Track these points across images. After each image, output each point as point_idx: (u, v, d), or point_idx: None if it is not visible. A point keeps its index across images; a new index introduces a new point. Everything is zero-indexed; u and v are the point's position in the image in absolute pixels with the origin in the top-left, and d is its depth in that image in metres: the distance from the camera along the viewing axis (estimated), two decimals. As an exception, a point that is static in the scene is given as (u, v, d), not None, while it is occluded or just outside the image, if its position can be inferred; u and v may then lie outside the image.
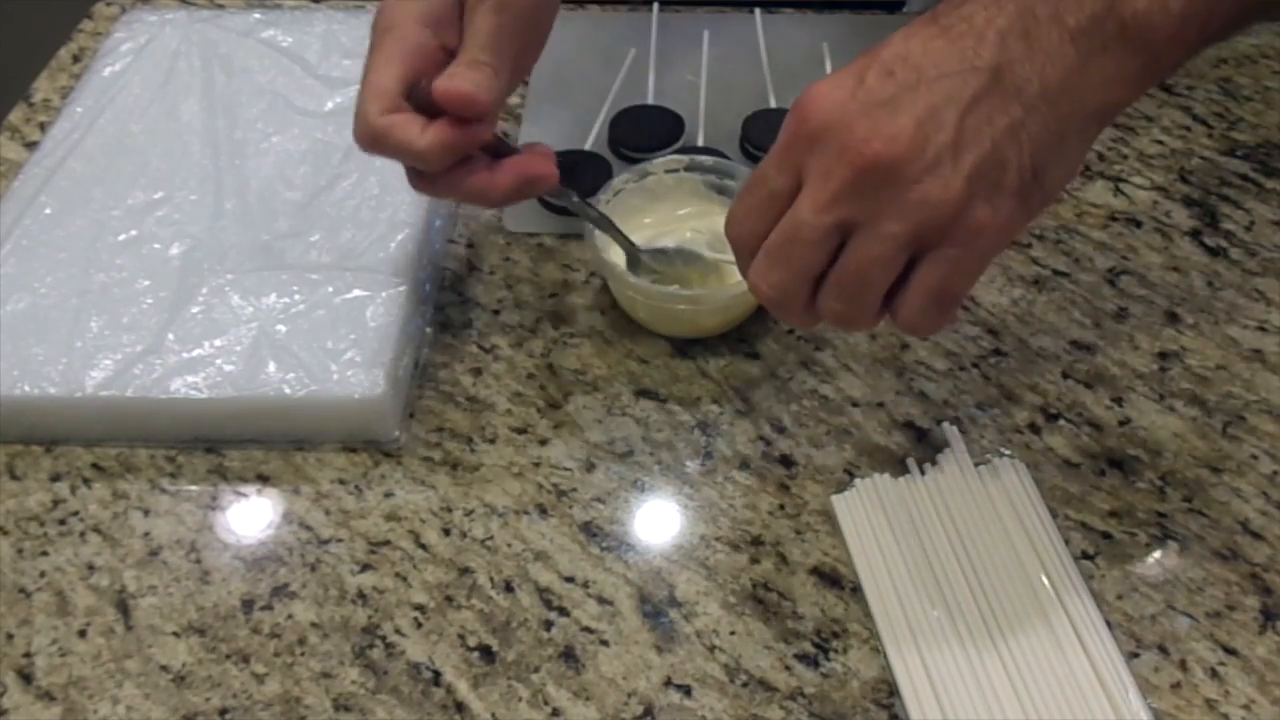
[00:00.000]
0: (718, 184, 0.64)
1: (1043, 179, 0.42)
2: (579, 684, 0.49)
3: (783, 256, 0.44)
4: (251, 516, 0.56)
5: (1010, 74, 0.42)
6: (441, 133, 0.50)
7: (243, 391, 0.56)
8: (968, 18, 0.43)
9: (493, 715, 0.49)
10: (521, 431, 0.58)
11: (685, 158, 0.64)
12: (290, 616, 0.52)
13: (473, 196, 0.53)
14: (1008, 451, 0.56)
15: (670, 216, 0.65)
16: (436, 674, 0.50)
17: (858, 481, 0.55)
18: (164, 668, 0.50)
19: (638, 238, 0.61)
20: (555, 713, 0.49)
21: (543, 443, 0.58)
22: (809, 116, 0.42)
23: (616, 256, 0.61)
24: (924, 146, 0.41)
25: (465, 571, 0.53)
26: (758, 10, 0.80)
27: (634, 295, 0.60)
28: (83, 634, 0.51)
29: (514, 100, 0.77)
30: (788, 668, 0.50)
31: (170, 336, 0.58)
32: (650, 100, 0.73)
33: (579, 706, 0.49)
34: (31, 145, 0.72)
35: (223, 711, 0.49)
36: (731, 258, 0.48)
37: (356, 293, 0.60)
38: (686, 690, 0.49)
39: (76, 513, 0.56)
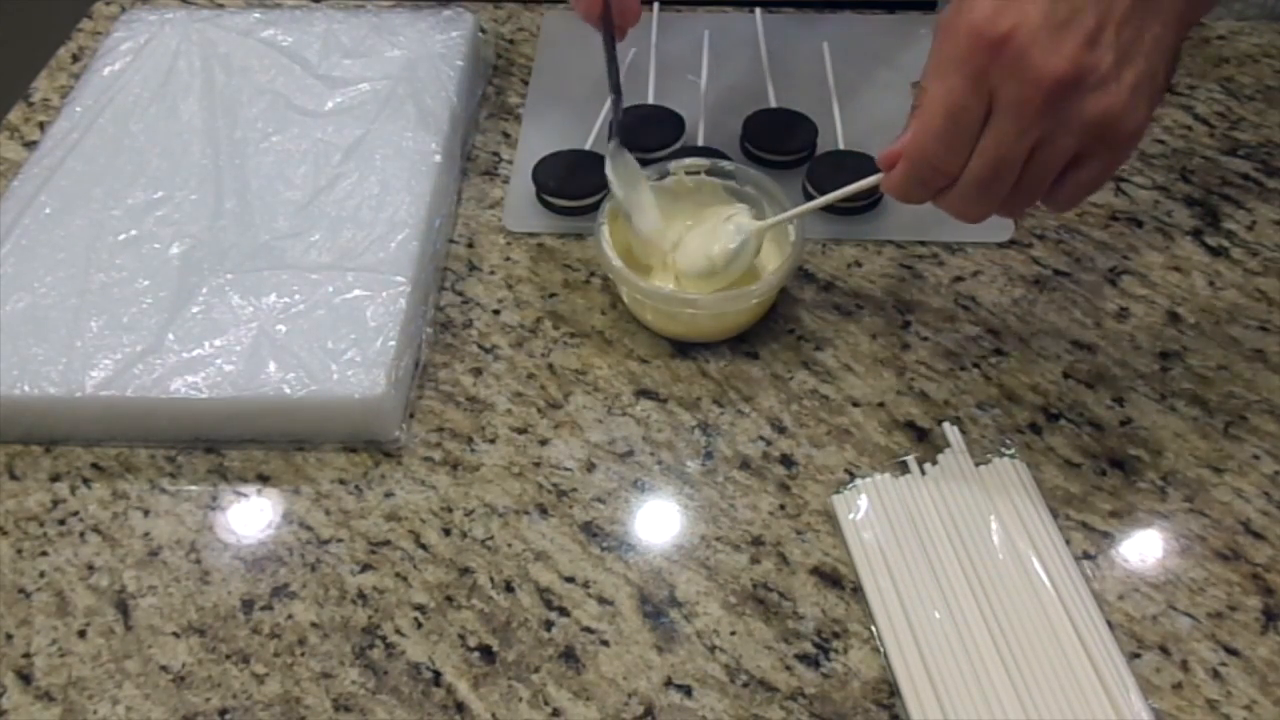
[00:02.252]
0: (736, 189, 0.64)
1: (1166, 84, 0.48)
2: (579, 684, 0.49)
3: (991, 186, 0.48)
4: (251, 516, 0.55)
5: None
6: None
7: (243, 391, 0.56)
8: None
9: (493, 715, 0.48)
10: (521, 431, 0.58)
11: (706, 161, 0.64)
12: (290, 616, 0.52)
13: None
14: (1008, 451, 0.56)
15: (683, 217, 0.65)
16: (436, 674, 0.50)
17: (858, 481, 0.55)
18: (164, 668, 0.50)
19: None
20: (555, 713, 0.49)
21: (543, 443, 0.58)
22: (995, 39, 0.45)
23: (622, 259, 0.61)
24: (1096, 64, 0.45)
25: (465, 571, 0.53)
26: (758, 10, 0.80)
27: (642, 299, 0.60)
28: (82, 634, 0.51)
29: (514, 100, 0.77)
30: (788, 668, 0.50)
31: (170, 336, 0.58)
32: (650, 100, 0.73)
33: (579, 707, 0.49)
34: (31, 145, 0.72)
35: (223, 712, 0.49)
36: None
37: (356, 293, 0.60)
38: (687, 690, 0.49)
39: (76, 513, 0.56)
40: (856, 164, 0.67)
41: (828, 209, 0.67)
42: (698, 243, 0.61)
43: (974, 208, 0.50)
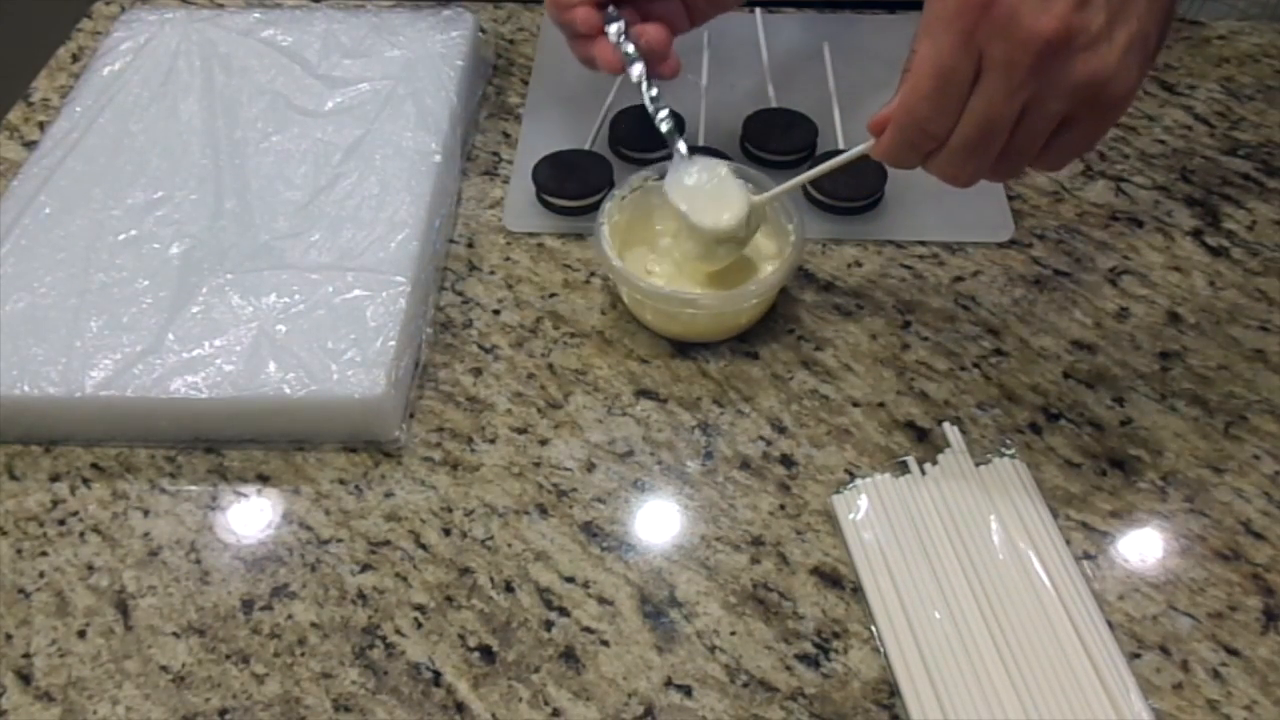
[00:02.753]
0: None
1: (1158, 46, 0.47)
2: (579, 684, 0.49)
3: (980, 148, 0.48)
4: (251, 516, 0.55)
5: None
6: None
7: (243, 391, 0.56)
8: None
9: (493, 715, 0.48)
10: (521, 431, 0.58)
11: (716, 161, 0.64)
12: (290, 617, 0.52)
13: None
14: (1008, 451, 0.56)
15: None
16: (436, 674, 0.50)
17: (858, 481, 0.55)
18: (164, 668, 0.50)
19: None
20: (555, 713, 0.49)
21: (543, 443, 0.58)
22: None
23: (625, 260, 0.61)
24: (1086, 24, 0.44)
25: (465, 571, 0.53)
26: (758, 10, 0.80)
27: (642, 299, 0.60)
28: (82, 634, 0.51)
29: (514, 100, 0.77)
30: (788, 668, 0.50)
31: (170, 336, 0.58)
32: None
33: (579, 707, 0.49)
34: (31, 145, 0.72)
35: (223, 712, 0.49)
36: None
37: (356, 293, 0.60)
38: (687, 690, 0.49)
39: (76, 513, 0.56)
40: (856, 164, 0.67)
41: (827, 209, 0.67)
42: (714, 199, 0.59)
43: (963, 170, 0.50)
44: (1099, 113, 0.47)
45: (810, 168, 0.60)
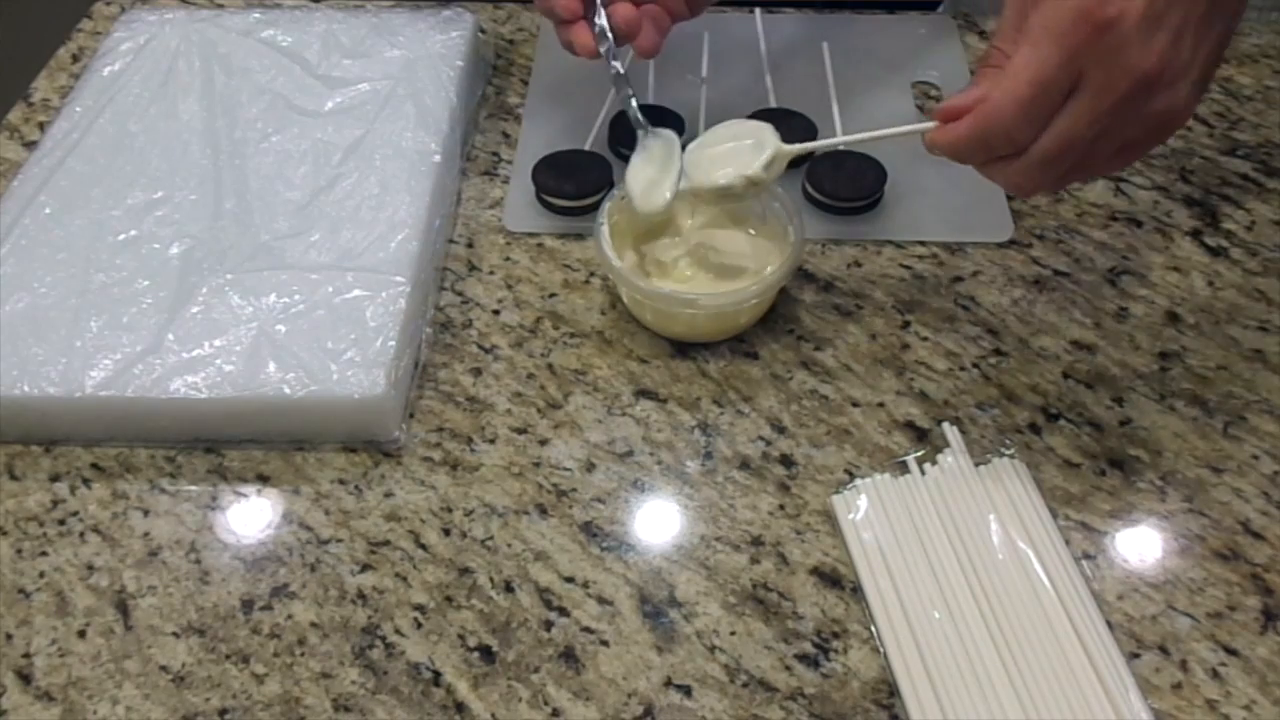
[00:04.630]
0: None
1: (1211, 78, 0.50)
2: (579, 684, 0.49)
3: (1054, 164, 0.49)
4: (251, 516, 0.55)
5: None
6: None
7: (243, 391, 0.56)
8: None
9: (493, 715, 0.48)
10: (521, 431, 0.58)
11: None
12: (290, 616, 0.52)
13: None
14: (1008, 451, 0.56)
15: (682, 216, 0.65)
16: (436, 674, 0.50)
17: (858, 481, 0.55)
18: (164, 668, 0.50)
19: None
20: (555, 713, 0.49)
21: (543, 443, 0.58)
22: (1101, 23, 0.45)
23: (625, 260, 0.61)
24: (1172, 62, 0.46)
25: (465, 571, 0.53)
26: (758, 10, 0.80)
27: (641, 299, 0.60)
28: (82, 634, 0.51)
29: (514, 100, 0.77)
30: (788, 668, 0.50)
31: (170, 336, 0.58)
32: (650, 100, 0.73)
33: (579, 707, 0.49)
34: (31, 145, 0.72)
35: (222, 712, 0.49)
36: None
37: (356, 293, 0.60)
38: (687, 690, 0.49)
39: (76, 513, 0.56)
40: (856, 164, 0.67)
41: (827, 209, 0.68)
42: (721, 158, 0.59)
43: (1030, 181, 0.50)
44: (1157, 138, 0.50)
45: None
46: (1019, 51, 0.47)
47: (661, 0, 0.65)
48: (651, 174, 0.61)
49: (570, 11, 0.63)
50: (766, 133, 0.58)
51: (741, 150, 0.58)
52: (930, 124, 0.51)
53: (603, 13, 0.63)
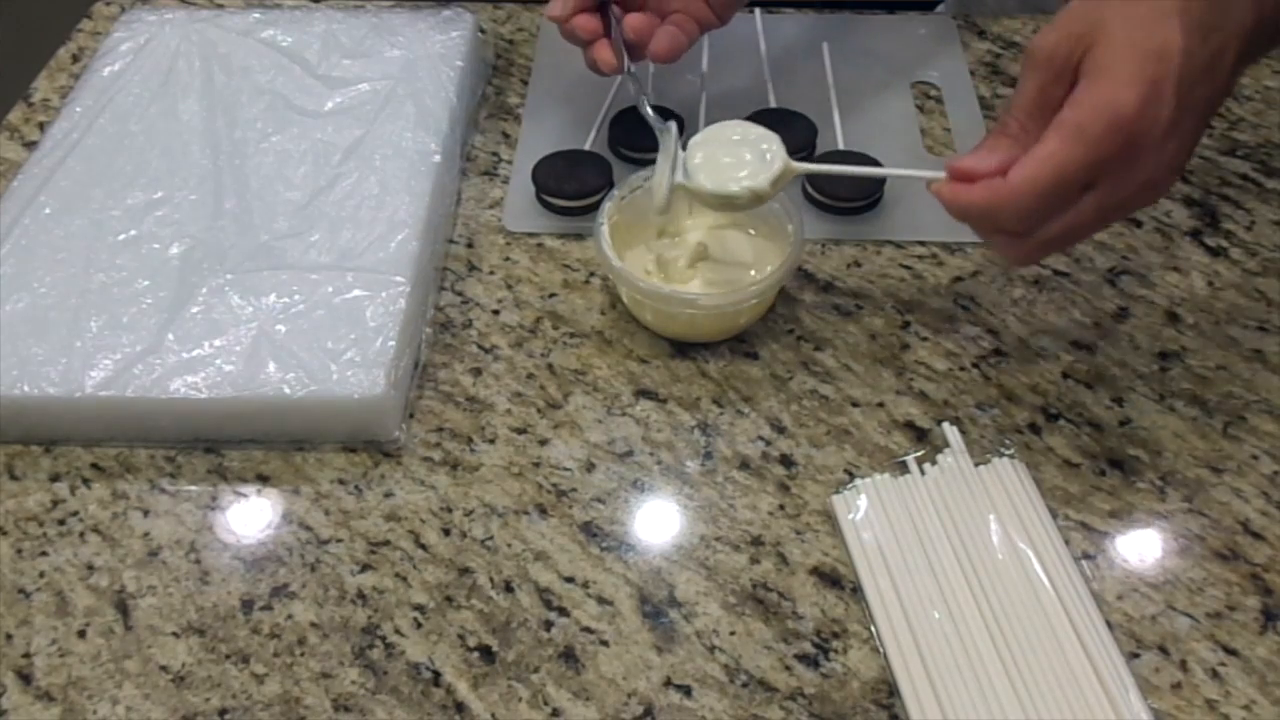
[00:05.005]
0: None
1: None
2: (579, 684, 0.49)
3: (1058, 246, 0.52)
4: (251, 516, 0.56)
5: (1225, 83, 0.50)
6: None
7: (243, 391, 0.56)
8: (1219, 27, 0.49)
9: (493, 715, 0.48)
10: (521, 431, 0.58)
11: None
12: (290, 616, 0.52)
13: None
14: (1008, 451, 0.56)
15: (682, 216, 0.65)
16: (436, 674, 0.50)
17: (858, 481, 0.55)
18: (164, 668, 0.50)
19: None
20: (555, 713, 0.49)
21: (543, 443, 0.58)
22: (1132, 136, 0.47)
23: (625, 260, 0.61)
24: (1178, 165, 0.50)
25: (465, 571, 0.53)
26: (758, 10, 0.80)
27: (641, 299, 0.60)
28: (82, 634, 0.51)
29: (514, 100, 0.77)
30: (788, 668, 0.50)
31: (170, 336, 0.58)
32: (650, 100, 0.73)
33: (579, 707, 0.49)
34: (31, 145, 0.72)
35: (222, 712, 0.49)
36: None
37: (356, 293, 0.60)
38: (686, 690, 0.49)
39: (76, 513, 0.56)
40: (856, 164, 0.67)
41: (827, 209, 0.68)
42: (729, 164, 0.58)
43: (1028, 258, 0.55)
44: (1134, 212, 0.57)
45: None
46: (1048, 141, 0.48)
47: (689, 9, 0.66)
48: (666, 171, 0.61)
49: (590, 32, 0.65)
50: (775, 144, 0.58)
51: (749, 158, 0.58)
52: (939, 174, 0.52)
53: (621, 27, 0.64)
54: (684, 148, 0.60)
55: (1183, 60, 0.47)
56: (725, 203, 0.58)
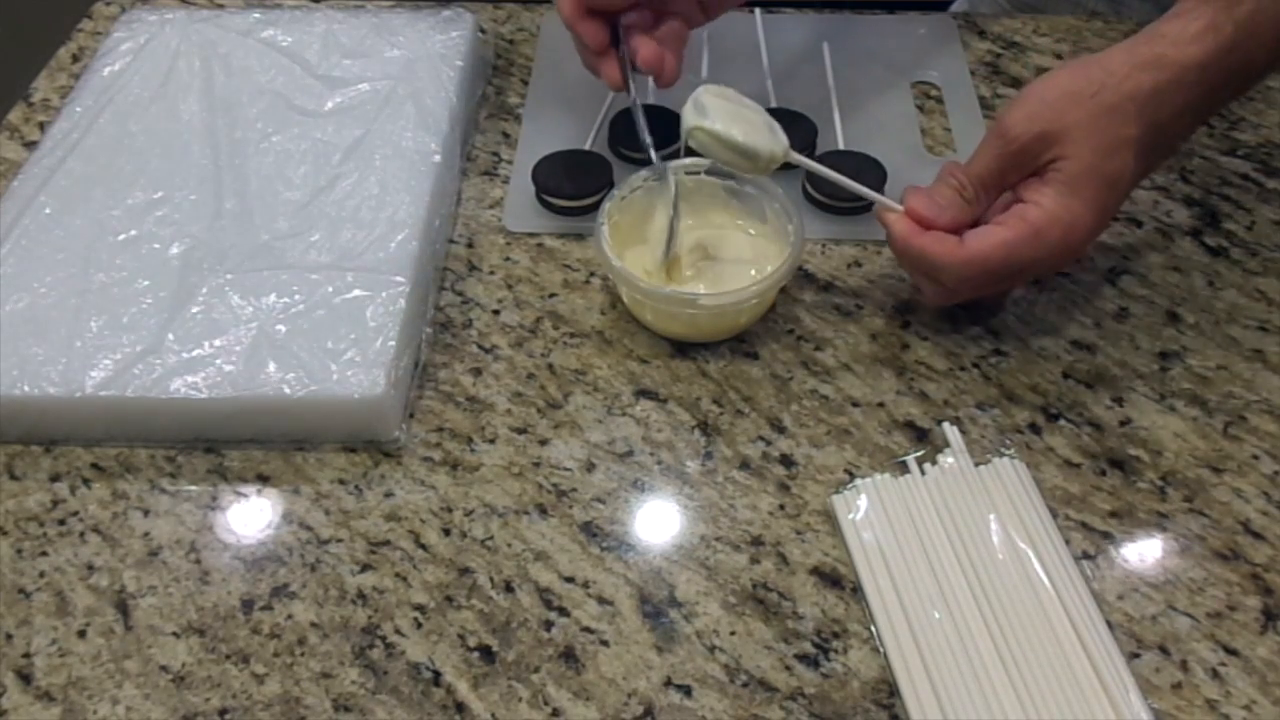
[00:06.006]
0: (736, 189, 0.64)
1: None
2: (579, 684, 0.49)
3: (969, 300, 0.60)
4: (251, 516, 0.55)
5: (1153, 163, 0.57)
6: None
7: (243, 391, 0.56)
8: (1162, 126, 0.55)
9: (493, 715, 0.48)
10: (521, 431, 0.58)
11: (706, 161, 0.64)
12: (290, 616, 0.52)
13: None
14: (1008, 451, 0.56)
15: (682, 217, 0.65)
16: (436, 674, 0.50)
17: (858, 481, 0.55)
18: (164, 668, 0.50)
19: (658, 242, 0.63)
20: (555, 713, 0.49)
21: (543, 443, 0.58)
22: (1072, 247, 0.56)
23: (625, 260, 0.61)
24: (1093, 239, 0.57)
25: (465, 571, 0.53)
26: (758, 10, 0.80)
27: (642, 299, 0.60)
28: (82, 634, 0.51)
29: (514, 100, 0.77)
30: (788, 668, 0.50)
31: (170, 336, 0.58)
32: (650, 100, 0.73)
33: (579, 707, 0.49)
34: (31, 145, 0.72)
35: (223, 712, 0.49)
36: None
37: (356, 293, 0.60)
38: (687, 690, 0.49)
39: (76, 513, 0.56)
40: (856, 164, 0.67)
41: (827, 209, 0.68)
42: (747, 113, 0.60)
43: (942, 303, 0.61)
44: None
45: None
46: (1007, 228, 0.55)
47: (675, 6, 0.66)
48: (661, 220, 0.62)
49: (598, 43, 0.64)
50: (778, 129, 0.60)
51: (760, 124, 0.60)
52: (896, 207, 0.58)
53: (625, 51, 0.64)
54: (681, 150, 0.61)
55: (1129, 185, 0.56)
56: (737, 157, 0.59)
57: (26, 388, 0.56)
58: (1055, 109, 0.54)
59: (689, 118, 0.59)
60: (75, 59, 0.80)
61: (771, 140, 0.59)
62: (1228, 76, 0.55)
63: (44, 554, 0.54)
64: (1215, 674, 0.49)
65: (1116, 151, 0.54)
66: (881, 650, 0.50)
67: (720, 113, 0.58)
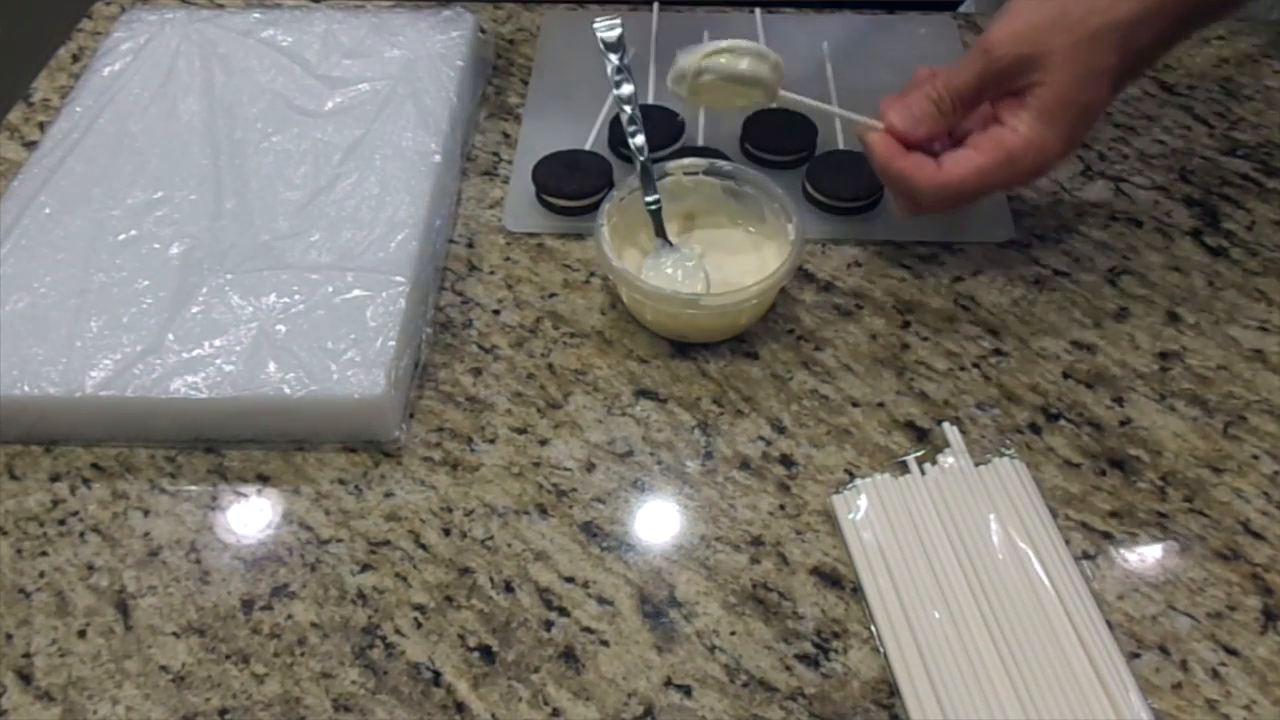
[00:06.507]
0: (735, 189, 0.64)
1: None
2: (579, 684, 0.49)
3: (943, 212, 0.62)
4: (251, 516, 0.55)
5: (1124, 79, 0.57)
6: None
7: (243, 391, 0.56)
8: (1140, 53, 0.57)
9: (493, 715, 0.48)
10: (521, 431, 0.58)
11: (704, 161, 0.64)
12: (290, 616, 0.52)
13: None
14: (1008, 451, 0.56)
15: (682, 217, 0.65)
16: (436, 674, 0.50)
17: (858, 481, 0.55)
18: (164, 668, 0.50)
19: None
20: (555, 713, 0.49)
21: (543, 443, 0.58)
22: (1043, 169, 0.58)
23: (625, 260, 0.61)
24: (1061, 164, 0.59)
25: (465, 571, 0.53)
26: (758, 10, 0.80)
27: (642, 299, 0.60)
28: (82, 634, 0.51)
29: (514, 100, 0.77)
30: (788, 668, 0.50)
31: (170, 336, 0.58)
32: (650, 100, 0.73)
33: (579, 707, 0.49)
34: (31, 145, 0.72)
35: (223, 712, 0.49)
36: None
37: (356, 293, 0.60)
38: (687, 690, 0.49)
39: (76, 513, 0.56)
40: (856, 164, 0.67)
41: (827, 209, 0.68)
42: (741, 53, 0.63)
43: (917, 213, 0.61)
44: None
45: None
46: (983, 153, 0.57)
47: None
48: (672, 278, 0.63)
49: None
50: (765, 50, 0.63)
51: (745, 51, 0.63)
52: (876, 125, 0.60)
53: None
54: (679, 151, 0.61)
55: (1101, 111, 0.57)
56: (738, 81, 0.62)
57: (26, 388, 0.56)
58: (1040, 32, 0.55)
59: (682, 61, 0.62)
60: (75, 59, 0.80)
61: (774, 70, 0.62)
62: (1207, 2, 0.56)
63: (44, 554, 0.54)
64: (1215, 674, 0.49)
65: (1094, 81, 0.55)
66: (881, 650, 0.50)
67: (700, 56, 0.62)
